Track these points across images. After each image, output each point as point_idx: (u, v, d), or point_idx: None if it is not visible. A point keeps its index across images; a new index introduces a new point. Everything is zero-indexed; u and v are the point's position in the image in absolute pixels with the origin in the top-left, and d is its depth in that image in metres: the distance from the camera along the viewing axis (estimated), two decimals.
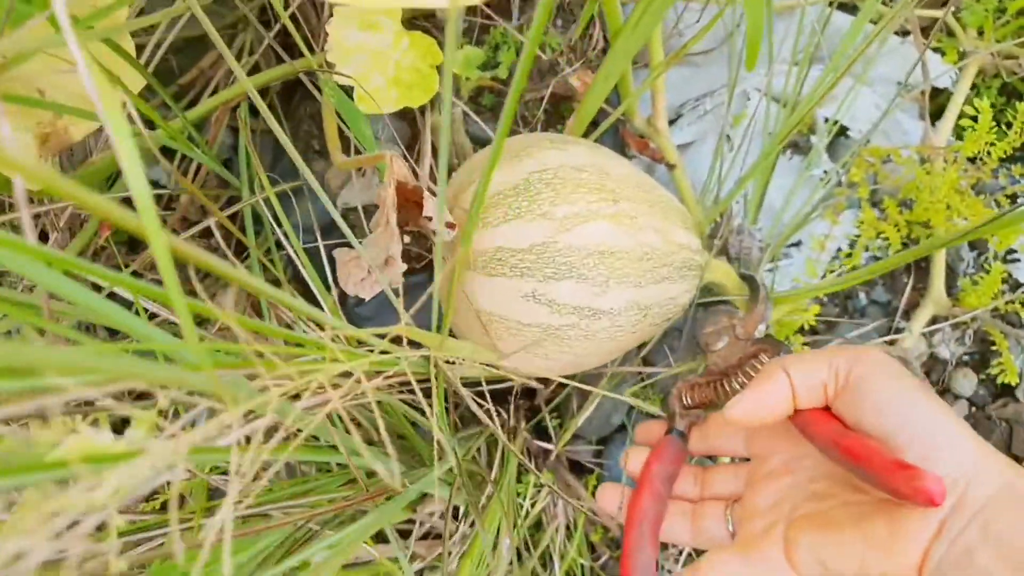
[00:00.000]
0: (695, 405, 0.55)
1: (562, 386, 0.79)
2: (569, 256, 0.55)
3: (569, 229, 0.55)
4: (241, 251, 0.77)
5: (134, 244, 0.78)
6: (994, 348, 0.76)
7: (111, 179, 0.73)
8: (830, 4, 0.73)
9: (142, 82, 0.57)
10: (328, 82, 0.61)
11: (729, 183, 0.73)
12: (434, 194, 0.55)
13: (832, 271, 0.78)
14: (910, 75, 0.77)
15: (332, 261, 0.70)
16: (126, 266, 0.73)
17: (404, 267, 0.53)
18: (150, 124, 0.65)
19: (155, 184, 0.81)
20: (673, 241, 0.60)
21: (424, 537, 0.76)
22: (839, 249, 0.80)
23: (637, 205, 0.58)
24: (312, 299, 0.70)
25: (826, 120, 0.79)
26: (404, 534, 0.73)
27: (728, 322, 0.60)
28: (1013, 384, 0.76)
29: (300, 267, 0.67)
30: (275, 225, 0.70)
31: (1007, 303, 0.75)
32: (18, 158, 0.21)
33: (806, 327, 0.77)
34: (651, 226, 0.58)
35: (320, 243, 0.69)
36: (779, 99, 0.81)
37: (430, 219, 0.50)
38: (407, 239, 0.56)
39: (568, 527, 0.80)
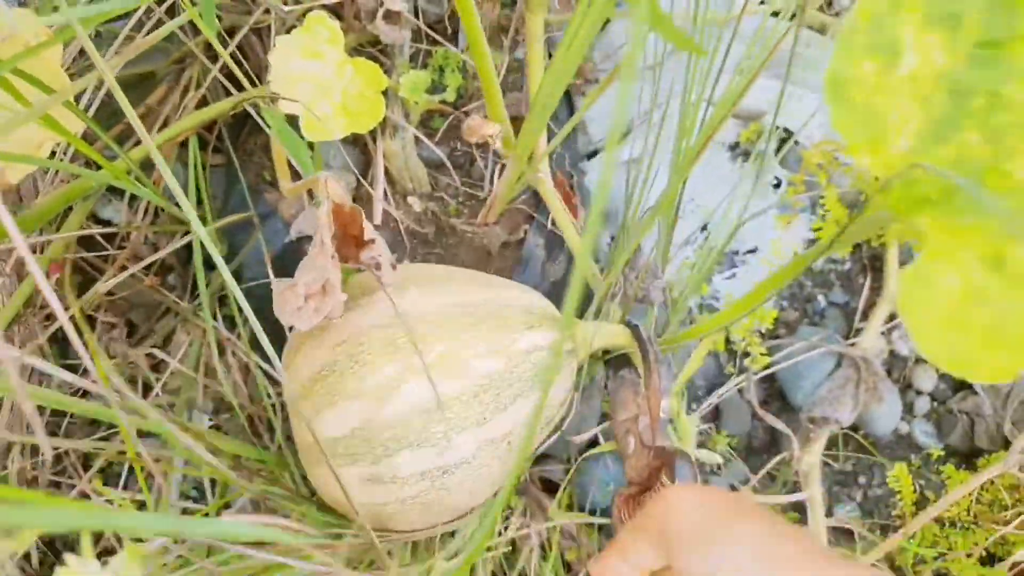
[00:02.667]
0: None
1: None
2: (394, 428, 0.51)
3: (384, 399, 0.51)
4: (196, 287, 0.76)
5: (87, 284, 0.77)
6: None
7: (60, 217, 0.72)
8: (774, 15, 0.75)
9: (81, 124, 0.56)
10: (269, 111, 0.61)
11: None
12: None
13: None
14: None
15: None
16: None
17: (344, 297, 0.52)
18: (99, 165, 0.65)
19: (107, 223, 0.80)
20: (517, 351, 0.56)
21: None
22: (795, 253, 0.80)
23: (459, 338, 0.54)
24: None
25: (776, 127, 0.81)
26: None
27: (633, 400, 0.58)
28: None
29: (239, 304, 0.66)
30: (223, 261, 0.70)
31: None
32: None
33: (764, 331, 0.78)
34: (484, 352, 0.54)
35: (271, 276, 0.68)
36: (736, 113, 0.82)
37: (372, 242, 0.50)
38: None
39: (543, 547, 0.79)
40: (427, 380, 0.51)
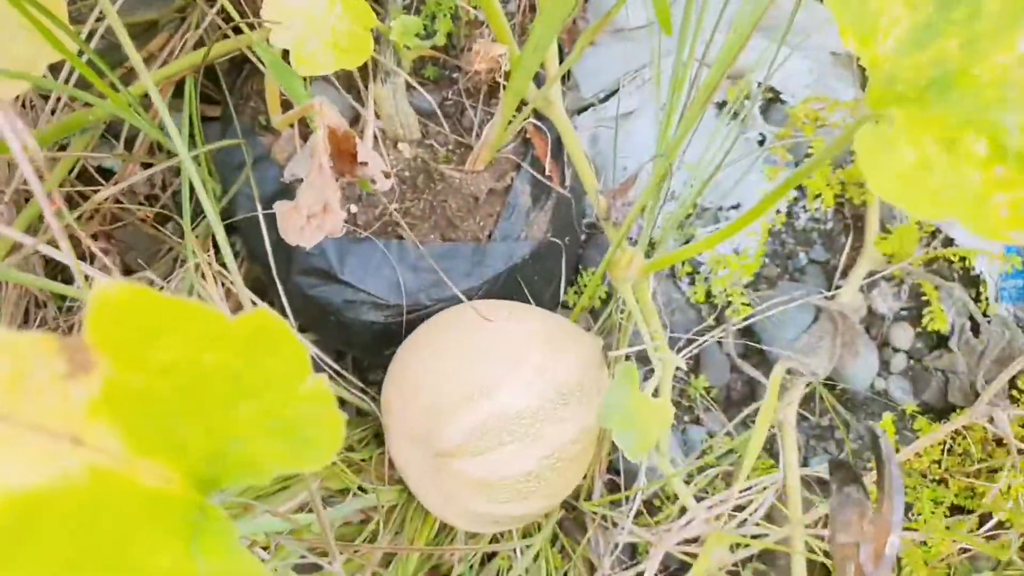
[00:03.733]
0: None
1: None
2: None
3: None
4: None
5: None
6: (926, 300, 0.79)
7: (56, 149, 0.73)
8: None
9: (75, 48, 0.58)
10: (264, 49, 0.62)
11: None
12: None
13: (770, 230, 0.80)
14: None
15: (272, 231, 0.71)
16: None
17: (343, 215, 0.54)
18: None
19: (105, 170, 0.82)
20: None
21: None
22: (777, 211, 0.82)
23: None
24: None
25: (759, 85, 0.82)
26: None
27: (858, 524, 0.53)
28: (943, 331, 0.78)
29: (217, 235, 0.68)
30: (214, 195, 0.72)
31: (932, 253, 0.77)
32: None
33: (745, 285, 0.79)
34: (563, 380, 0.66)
35: (260, 212, 0.70)
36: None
37: (366, 164, 0.52)
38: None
39: None
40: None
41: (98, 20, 0.72)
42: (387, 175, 0.55)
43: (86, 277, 0.47)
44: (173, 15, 0.84)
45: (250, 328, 0.25)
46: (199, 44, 0.79)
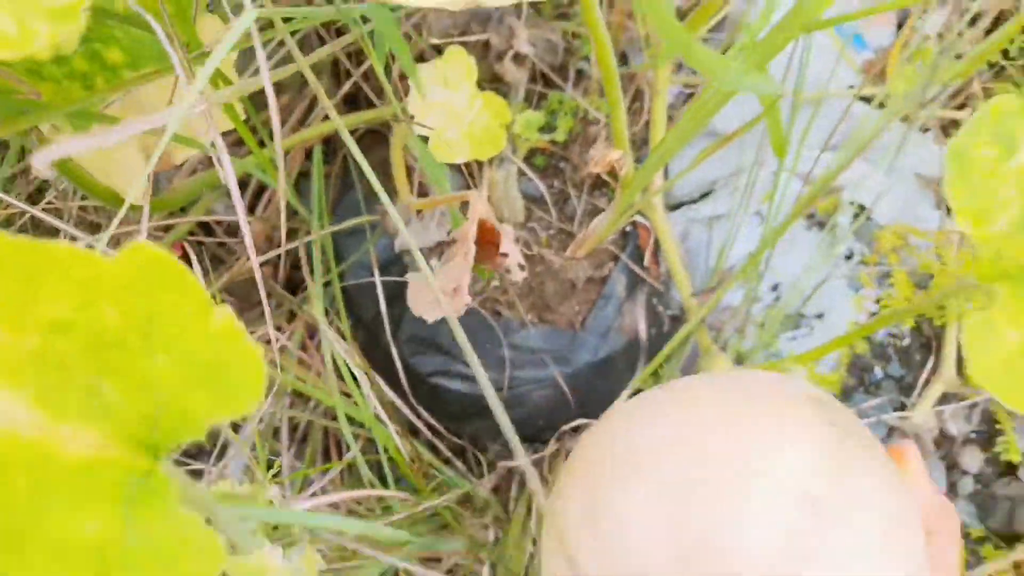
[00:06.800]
0: None
1: None
2: None
3: None
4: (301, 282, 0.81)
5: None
6: (999, 427, 0.81)
7: (185, 207, 0.78)
8: (861, 99, 0.80)
9: (242, 114, 0.62)
10: (407, 130, 0.67)
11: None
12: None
13: (850, 345, 0.83)
14: (931, 168, 0.83)
15: (385, 294, 0.75)
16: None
17: (469, 299, 0.57)
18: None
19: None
20: None
21: None
22: (855, 322, 0.85)
23: None
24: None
25: (851, 203, 0.86)
26: None
27: None
28: (1015, 462, 0.80)
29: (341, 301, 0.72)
30: (333, 262, 0.75)
31: None
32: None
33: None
34: None
35: (377, 278, 0.74)
36: (811, 180, 0.88)
37: (507, 256, 0.55)
38: None
39: None
40: None
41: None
42: (522, 267, 0.58)
43: None
44: (298, 79, 0.89)
45: (135, 264, 0.24)
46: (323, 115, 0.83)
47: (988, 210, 0.45)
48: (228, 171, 0.50)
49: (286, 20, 0.57)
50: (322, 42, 0.74)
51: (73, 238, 0.62)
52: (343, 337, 0.74)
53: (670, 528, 0.37)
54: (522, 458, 0.42)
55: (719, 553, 0.35)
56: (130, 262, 0.23)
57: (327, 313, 0.74)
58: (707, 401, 0.41)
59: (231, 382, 0.24)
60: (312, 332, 0.77)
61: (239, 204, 0.50)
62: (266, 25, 0.55)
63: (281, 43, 0.78)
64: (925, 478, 0.40)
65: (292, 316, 0.78)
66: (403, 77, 0.73)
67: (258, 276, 0.52)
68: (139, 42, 0.48)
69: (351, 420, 0.72)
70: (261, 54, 0.50)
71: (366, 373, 0.73)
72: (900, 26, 0.95)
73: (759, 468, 0.36)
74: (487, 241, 0.57)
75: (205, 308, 0.24)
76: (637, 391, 0.85)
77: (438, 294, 0.57)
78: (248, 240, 0.50)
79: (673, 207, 0.89)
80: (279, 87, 0.89)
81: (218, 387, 0.24)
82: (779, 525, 0.34)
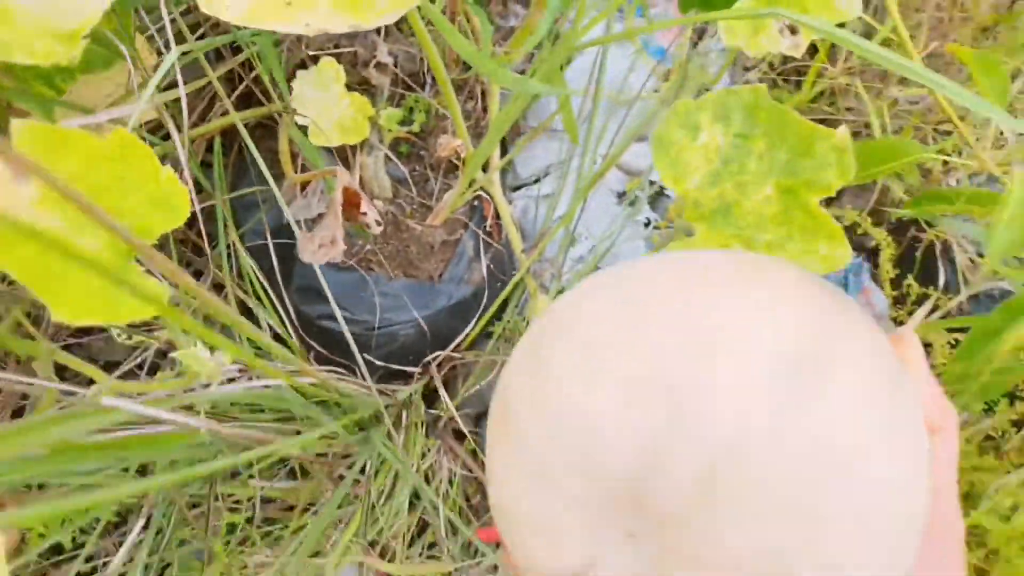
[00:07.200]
0: None
1: (453, 369, 1.02)
2: None
3: None
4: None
5: None
6: None
7: None
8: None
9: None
10: (290, 123, 0.85)
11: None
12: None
13: None
14: None
15: (279, 256, 0.93)
16: None
17: (344, 247, 0.76)
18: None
19: None
20: None
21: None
22: None
23: None
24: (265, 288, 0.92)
25: (652, 183, 1.09)
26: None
27: None
28: None
29: (249, 263, 0.89)
30: (235, 228, 0.92)
31: None
32: None
33: None
34: None
35: (270, 241, 0.92)
36: (621, 166, 1.11)
37: (366, 214, 0.75)
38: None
39: (449, 480, 1.02)
40: None
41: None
42: (378, 223, 0.77)
43: None
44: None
45: (117, 143, 0.41)
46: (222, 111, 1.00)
47: (684, 174, 0.68)
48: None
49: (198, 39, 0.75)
50: (220, 57, 0.91)
51: None
52: (244, 293, 0.91)
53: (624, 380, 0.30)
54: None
55: (676, 392, 0.29)
56: (116, 140, 0.41)
57: (230, 271, 0.92)
58: (672, 271, 0.34)
59: (172, 207, 0.44)
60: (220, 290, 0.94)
61: None
62: (180, 40, 0.72)
63: (185, 52, 0.95)
64: (926, 370, 0.37)
65: (198, 275, 0.95)
66: (289, 79, 0.91)
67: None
68: (90, 51, 0.64)
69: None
70: (180, 79, 0.67)
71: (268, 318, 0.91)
72: (696, 44, 1.20)
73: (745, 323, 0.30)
74: (351, 203, 0.76)
75: (157, 168, 0.43)
76: (483, 329, 1.06)
77: (319, 243, 0.76)
78: None
79: (515, 188, 1.11)
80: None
81: (166, 209, 0.44)
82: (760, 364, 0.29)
